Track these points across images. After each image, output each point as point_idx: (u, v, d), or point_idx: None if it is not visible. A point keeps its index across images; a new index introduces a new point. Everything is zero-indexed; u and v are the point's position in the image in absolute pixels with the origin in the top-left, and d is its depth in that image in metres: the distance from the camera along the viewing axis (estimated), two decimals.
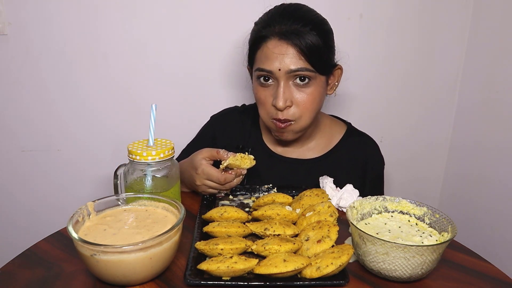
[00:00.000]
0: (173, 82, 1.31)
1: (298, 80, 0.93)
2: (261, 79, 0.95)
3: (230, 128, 1.14)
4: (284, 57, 0.91)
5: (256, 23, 1.00)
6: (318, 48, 0.92)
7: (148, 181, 0.82)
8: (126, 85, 1.28)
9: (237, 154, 0.90)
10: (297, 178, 1.07)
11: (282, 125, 0.97)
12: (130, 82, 1.28)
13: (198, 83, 1.33)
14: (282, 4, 1.00)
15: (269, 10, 1.00)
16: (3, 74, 1.19)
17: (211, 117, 1.18)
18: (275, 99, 0.93)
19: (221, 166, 0.90)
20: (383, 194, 1.17)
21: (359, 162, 1.09)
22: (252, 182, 1.05)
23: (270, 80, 0.95)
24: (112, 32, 1.23)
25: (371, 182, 1.10)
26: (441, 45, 1.48)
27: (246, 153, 0.92)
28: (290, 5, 0.99)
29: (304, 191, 0.92)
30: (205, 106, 1.24)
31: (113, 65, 1.25)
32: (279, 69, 0.91)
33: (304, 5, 0.99)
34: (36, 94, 1.23)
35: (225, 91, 1.34)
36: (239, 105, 1.22)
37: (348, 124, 1.15)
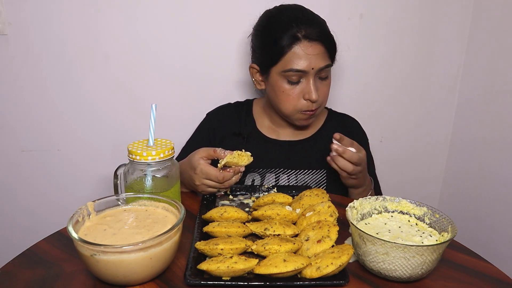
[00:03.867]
0: (173, 82, 1.32)
1: (322, 74, 1.04)
2: (292, 78, 1.02)
3: (226, 119, 1.20)
4: (316, 57, 1.01)
5: (269, 29, 1.05)
6: (335, 46, 1.05)
7: (148, 181, 0.82)
8: (126, 85, 1.28)
9: (234, 151, 0.91)
10: (292, 158, 1.14)
11: (312, 113, 1.07)
12: (130, 82, 1.28)
13: (198, 83, 1.33)
14: (289, 7, 1.07)
15: (276, 14, 1.06)
16: (3, 74, 1.19)
17: (207, 114, 1.23)
18: (308, 94, 1.03)
19: (219, 165, 0.90)
20: (374, 170, 1.21)
21: None
22: (249, 167, 1.08)
23: (300, 79, 1.03)
24: (112, 32, 1.23)
25: None
26: (441, 45, 1.48)
27: (243, 150, 0.92)
28: (301, 7, 1.07)
29: (304, 191, 0.92)
30: (205, 106, 1.24)
31: (113, 65, 1.25)
32: (312, 68, 1.01)
33: (308, 8, 1.08)
34: (36, 94, 1.23)
35: (225, 92, 1.34)
36: None
37: (329, 109, 1.25)
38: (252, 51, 1.12)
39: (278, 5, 1.10)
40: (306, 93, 1.03)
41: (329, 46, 1.03)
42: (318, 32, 1.01)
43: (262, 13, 1.11)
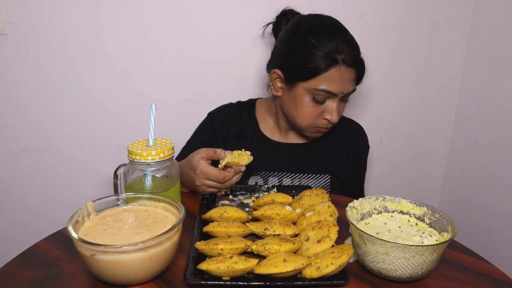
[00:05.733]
0: (173, 82, 1.31)
1: (345, 97, 1.05)
2: (319, 97, 1.01)
3: (228, 120, 1.18)
4: (348, 82, 1.01)
5: (306, 43, 0.99)
6: (365, 71, 1.04)
7: (148, 181, 0.82)
8: (126, 85, 1.28)
9: (234, 151, 0.90)
10: (295, 161, 1.13)
11: (326, 130, 1.08)
12: (130, 82, 1.28)
13: (198, 83, 1.33)
14: (328, 21, 1.03)
15: (316, 28, 1.00)
16: (3, 74, 1.19)
17: (208, 113, 1.21)
18: (330, 115, 1.03)
19: (219, 165, 0.90)
20: (363, 179, 1.22)
21: (352, 144, 1.18)
22: (252, 169, 1.09)
23: (326, 99, 1.02)
24: (112, 32, 1.23)
25: (362, 163, 1.20)
26: (441, 45, 1.48)
27: (243, 149, 0.92)
28: (339, 25, 1.03)
29: (304, 191, 0.92)
30: (205, 106, 1.23)
31: (113, 65, 1.25)
32: (342, 92, 1.01)
33: (343, 25, 1.05)
34: (36, 94, 1.23)
35: (225, 91, 1.34)
36: None
37: None
38: (278, 55, 1.07)
39: (313, 13, 1.07)
40: (327, 113, 1.03)
41: (361, 72, 1.03)
42: (356, 57, 1.00)
43: (296, 19, 1.07)
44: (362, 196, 1.17)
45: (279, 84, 1.07)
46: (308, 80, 0.99)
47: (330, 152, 1.15)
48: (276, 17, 1.14)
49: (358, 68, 1.01)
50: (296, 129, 1.12)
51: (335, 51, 0.97)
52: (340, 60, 0.97)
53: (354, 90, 1.04)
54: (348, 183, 1.15)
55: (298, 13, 1.14)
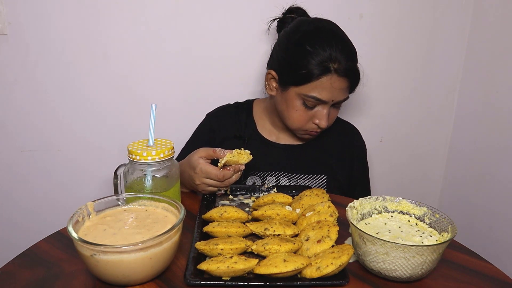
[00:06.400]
0: (173, 82, 1.31)
1: (337, 104, 1.05)
2: (309, 103, 1.02)
3: (226, 121, 1.18)
4: (339, 91, 1.01)
5: (301, 49, 0.98)
6: (359, 81, 1.04)
7: (148, 181, 0.82)
8: (126, 85, 1.28)
9: (234, 150, 0.91)
10: (292, 162, 1.14)
11: (316, 134, 1.09)
12: (130, 82, 1.28)
13: (198, 83, 1.33)
14: (327, 28, 1.02)
15: (313, 35, 1.00)
16: (3, 74, 1.19)
17: (207, 115, 1.22)
18: (319, 120, 1.04)
19: (219, 164, 0.90)
20: (368, 178, 1.22)
21: (346, 146, 1.19)
22: (249, 169, 1.09)
23: (317, 105, 1.03)
24: (112, 31, 1.23)
25: (357, 165, 1.20)
26: (441, 45, 1.48)
27: (242, 148, 0.93)
28: (338, 32, 1.03)
29: (304, 191, 0.92)
30: (205, 106, 1.24)
31: (113, 65, 1.25)
32: (332, 100, 1.01)
33: (343, 31, 1.04)
34: (36, 94, 1.23)
35: (225, 91, 1.34)
36: None
37: None
38: (275, 57, 1.08)
39: (313, 17, 1.06)
40: (317, 119, 1.04)
41: (354, 82, 1.03)
42: (349, 68, 0.99)
43: (295, 22, 1.06)
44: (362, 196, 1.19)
45: (274, 84, 1.08)
46: (300, 85, 1.00)
47: (326, 153, 1.16)
48: (283, 14, 1.14)
49: (351, 78, 1.01)
50: (290, 130, 1.13)
51: (328, 60, 0.97)
52: (332, 69, 0.97)
53: (346, 98, 1.04)
54: (344, 183, 1.16)
55: (305, 12, 1.13)
